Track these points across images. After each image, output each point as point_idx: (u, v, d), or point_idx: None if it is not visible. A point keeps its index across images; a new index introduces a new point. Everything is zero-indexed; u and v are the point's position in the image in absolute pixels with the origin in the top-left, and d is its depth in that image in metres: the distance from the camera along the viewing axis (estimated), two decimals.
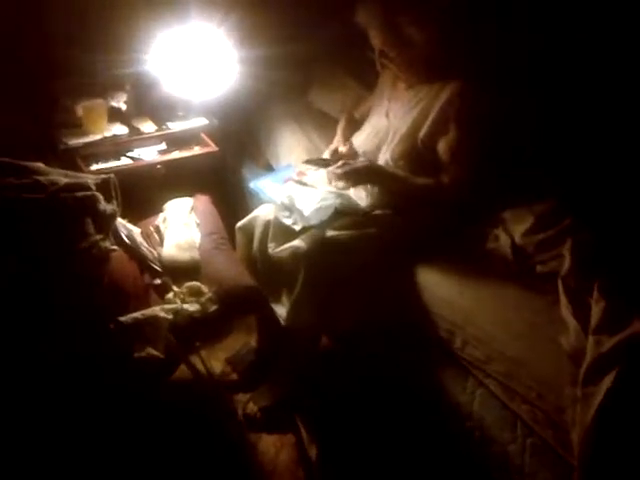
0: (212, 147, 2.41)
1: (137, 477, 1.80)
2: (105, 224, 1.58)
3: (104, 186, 1.63)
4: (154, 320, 1.57)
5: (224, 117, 2.55)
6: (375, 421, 2.01)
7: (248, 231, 2.17)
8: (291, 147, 2.60)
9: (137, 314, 1.57)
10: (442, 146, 2.00)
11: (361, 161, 2.07)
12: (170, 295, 1.79)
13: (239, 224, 2.19)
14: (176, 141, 2.42)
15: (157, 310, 1.61)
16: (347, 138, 2.29)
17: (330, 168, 2.04)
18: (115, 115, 2.35)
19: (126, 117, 2.37)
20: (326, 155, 2.25)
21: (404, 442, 1.93)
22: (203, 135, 2.48)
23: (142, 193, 2.22)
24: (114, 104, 2.30)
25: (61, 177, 1.55)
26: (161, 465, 1.84)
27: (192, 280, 1.85)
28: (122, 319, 1.55)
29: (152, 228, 2.08)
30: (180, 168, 2.34)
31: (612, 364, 1.46)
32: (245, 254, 2.19)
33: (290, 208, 2.07)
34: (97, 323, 1.51)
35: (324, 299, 1.98)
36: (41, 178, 1.45)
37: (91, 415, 1.52)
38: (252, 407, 2.11)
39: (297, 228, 1.99)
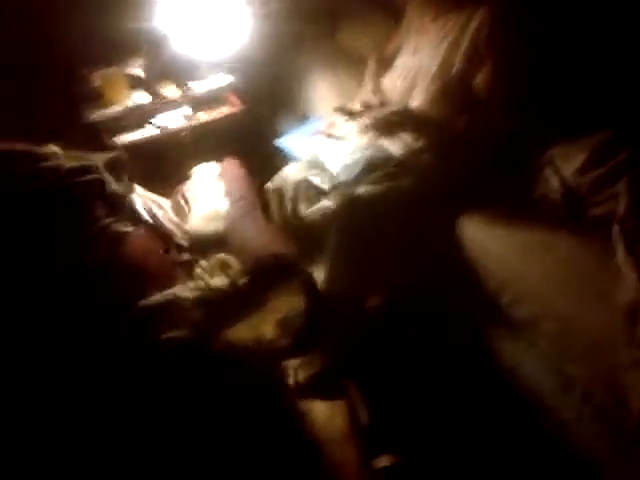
0: (238, 106, 2.33)
1: (187, 451, 1.84)
2: (117, 205, 1.56)
3: (113, 165, 1.60)
4: (176, 301, 1.56)
5: (251, 73, 2.45)
6: (425, 384, 1.95)
7: (279, 192, 2.10)
8: (323, 94, 2.49)
9: (157, 296, 1.56)
10: (478, 82, 1.83)
11: (393, 106, 1.93)
12: (198, 270, 1.78)
13: (269, 185, 2.13)
14: (202, 103, 2.36)
15: (179, 289, 1.60)
16: (377, 83, 2.15)
17: (360, 119, 1.92)
18: (135, 82, 2.31)
19: (147, 83, 2.32)
20: (357, 106, 2.11)
21: (455, 405, 1.86)
22: (230, 94, 2.40)
23: (170, 162, 2.20)
24: (130, 71, 2.25)
25: (69, 161, 1.53)
26: (210, 438, 1.88)
27: (219, 252, 1.83)
28: (142, 303, 1.54)
29: (180, 197, 2.06)
30: (207, 132, 2.29)
31: None
32: (279, 216, 2.13)
33: (318, 165, 1.98)
34: (117, 309, 1.51)
35: (361, 261, 1.91)
36: (45, 165, 1.43)
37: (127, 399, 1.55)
38: (302, 374, 2.10)
39: (326, 188, 1.91)
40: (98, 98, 2.21)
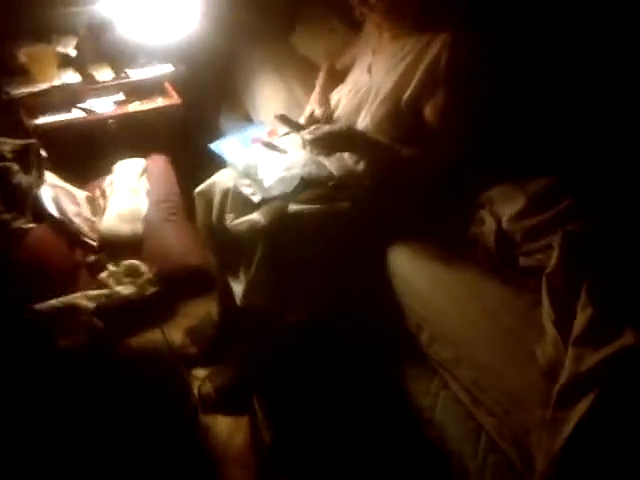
0: (175, 99, 2.20)
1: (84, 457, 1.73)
2: (19, 199, 1.42)
3: (23, 153, 1.46)
4: (73, 309, 1.43)
5: (194, 65, 2.32)
6: (334, 409, 1.89)
7: (207, 197, 1.99)
8: (269, 99, 2.38)
9: (55, 301, 1.43)
10: (429, 110, 1.77)
11: (337, 125, 1.85)
12: (104, 275, 1.65)
13: (198, 189, 2.00)
14: (136, 91, 2.22)
15: (78, 297, 1.47)
16: (325, 96, 2.06)
17: (302, 132, 1.83)
18: (68, 61, 2.15)
19: (79, 64, 2.16)
20: (301, 119, 2.02)
21: (362, 434, 1.81)
22: (167, 85, 2.27)
23: (94, 151, 2.05)
24: (61, 49, 2.08)
25: None
26: (109, 444, 1.76)
27: (132, 257, 1.71)
28: (37, 307, 1.41)
29: (98, 192, 1.92)
30: (137, 123, 2.14)
31: (592, 385, 1.28)
32: (204, 223, 2.02)
33: (251, 175, 1.88)
34: (9, 311, 1.38)
35: (284, 278, 1.82)
36: None
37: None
38: (208, 386, 2.03)
39: (256, 200, 1.81)
40: (23, 74, 2.04)
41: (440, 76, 1.72)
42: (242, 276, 1.93)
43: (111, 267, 1.67)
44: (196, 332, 2.22)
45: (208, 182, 2.02)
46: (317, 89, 2.12)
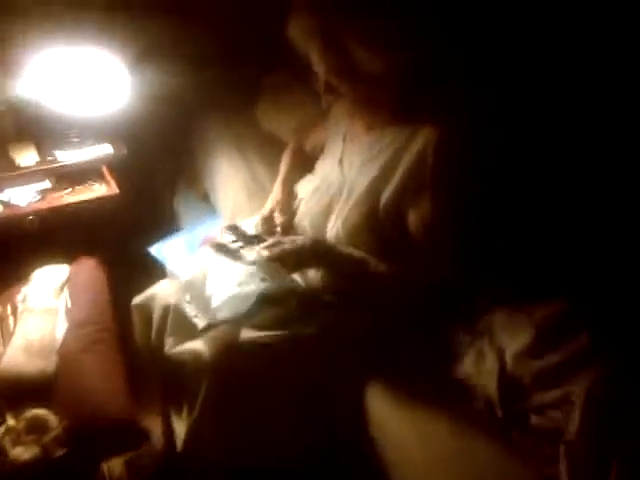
0: (112, 188, 1.87)
1: None
2: None
3: None
4: None
5: (137, 143, 2.00)
6: None
7: (146, 313, 1.66)
8: (228, 181, 2.07)
9: None
10: (412, 219, 1.48)
11: (301, 238, 1.54)
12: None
13: (135, 301, 1.68)
14: (67, 177, 1.89)
15: None
16: (288, 192, 1.76)
17: (258, 247, 1.52)
18: None
19: (1, 144, 1.83)
20: (256, 223, 1.71)
21: None
22: (105, 169, 1.94)
23: (7, 253, 1.71)
24: None
25: None
26: None
27: (39, 405, 1.35)
28: None
29: (10, 308, 1.58)
30: (65, 218, 1.80)
31: None
32: (143, 342, 1.69)
33: (196, 290, 1.55)
34: None
35: (233, 425, 1.49)
36: None
37: None
38: None
39: (199, 325, 1.48)
40: None
41: (425, 180, 1.43)
42: (184, 416, 1.59)
43: (9, 421, 1.32)
44: (136, 465, 1.85)
45: (147, 294, 1.69)
46: (280, 178, 1.82)
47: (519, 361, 1.36)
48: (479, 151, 1.42)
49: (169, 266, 1.61)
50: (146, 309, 1.66)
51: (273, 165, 1.96)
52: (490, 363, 1.38)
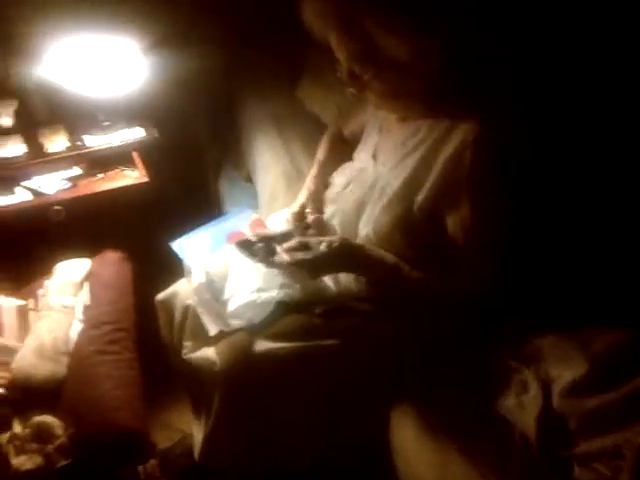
0: (141, 176, 1.78)
1: None
2: None
3: None
4: None
5: (169, 127, 1.89)
6: None
7: (169, 309, 1.58)
8: (268, 167, 1.95)
9: None
10: (452, 224, 1.31)
11: (328, 240, 1.36)
12: (4, 438, 1.27)
13: (159, 297, 1.60)
14: (98, 163, 1.82)
15: None
16: (324, 180, 1.61)
17: (280, 249, 1.38)
18: (11, 129, 1.77)
19: (27, 131, 1.78)
20: (286, 218, 1.57)
21: None
22: (135, 155, 1.85)
23: (34, 244, 1.67)
24: None
25: None
26: None
27: (48, 411, 1.31)
28: None
29: (32, 302, 1.55)
30: (92, 208, 1.74)
31: None
32: (168, 338, 1.62)
33: (214, 293, 1.46)
34: None
35: (251, 433, 1.40)
36: None
37: None
38: None
39: (211, 331, 1.38)
40: None
41: (463, 182, 1.25)
42: (202, 424, 1.52)
43: (16, 427, 1.29)
44: (168, 458, 1.82)
45: (170, 290, 1.61)
46: (314, 169, 1.67)
47: (567, 398, 1.17)
48: (523, 152, 1.22)
49: (187, 264, 1.52)
50: (169, 306, 1.58)
51: (314, 150, 1.82)
52: (533, 397, 1.20)
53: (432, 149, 1.30)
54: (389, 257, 1.37)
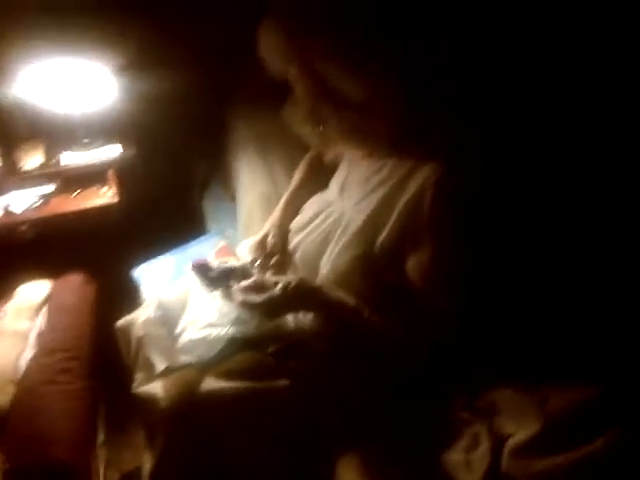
0: (112, 197, 1.75)
1: None
2: None
3: None
4: None
5: (152, 140, 1.86)
6: None
7: (127, 337, 1.54)
8: (247, 187, 1.91)
9: None
10: (412, 265, 1.24)
11: (284, 281, 1.26)
12: None
13: (118, 323, 1.55)
14: (73, 181, 1.80)
15: None
16: (293, 209, 1.55)
17: (236, 287, 1.32)
18: None
19: (8, 144, 1.77)
20: (250, 246, 1.52)
21: None
22: (111, 174, 1.82)
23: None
24: None
25: None
26: None
27: None
28: None
29: None
30: (59, 229, 1.71)
31: None
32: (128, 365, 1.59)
33: (168, 324, 1.41)
34: None
35: (197, 470, 1.32)
36: None
37: None
38: None
39: (157, 367, 1.33)
40: None
41: (423, 224, 1.19)
42: (150, 456, 1.48)
43: None
44: None
45: (130, 317, 1.57)
46: (286, 196, 1.62)
47: (517, 459, 1.09)
48: (486, 193, 1.14)
49: (144, 292, 1.49)
50: (127, 335, 1.55)
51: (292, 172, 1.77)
52: (482, 453, 1.13)
53: (395, 188, 1.24)
54: (348, 300, 1.30)
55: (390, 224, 1.24)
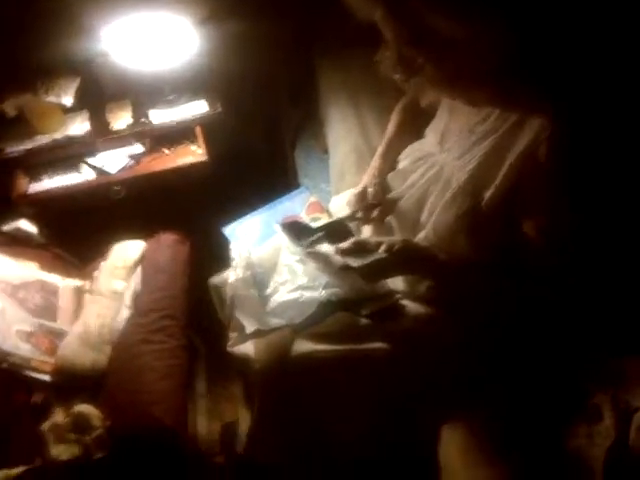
0: (202, 154, 1.73)
1: None
2: None
3: None
4: None
5: (237, 95, 1.81)
6: None
7: (219, 295, 1.54)
8: (338, 140, 1.83)
9: None
10: (528, 227, 1.14)
11: (387, 242, 1.20)
12: (46, 426, 1.30)
13: (212, 280, 1.55)
14: (162, 140, 1.80)
15: None
16: (391, 159, 1.46)
17: (333, 248, 1.26)
18: (71, 109, 1.76)
19: (91, 109, 1.79)
20: (348, 200, 1.45)
21: None
22: (198, 131, 1.80)
23: (96, 223, 1.69)
24: (52, 99, 1.71)
25: None
26: None
27: (89, 401, 1.33)
28: None
29: (88, 283, 1.56)
30: (151, 187, 1.72)
31: None
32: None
33: (258, 283, 1.38)
34: None
35: (293, 432, 1.33)
36: None
37: None
38: None
39: (247, 329, 1.30)
40: (19, 128, 1.71)
41: (538, 180, 1.08)
42: (247, 416, 1.48)
43: (57, 415, 1.31)
44: (229, 434, 1.79)
45: (223, 275, 1.56)
46: (381, 146, 1.53)
47: None
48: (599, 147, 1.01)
49: (233, 252, 1.46)
50: (221, 292, 1.55)
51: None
52: (605, 428, 1.02)
53: (502, 141, 1.13)
54: (456, 261, 1.22)
55: (499, 179, 1.13)
